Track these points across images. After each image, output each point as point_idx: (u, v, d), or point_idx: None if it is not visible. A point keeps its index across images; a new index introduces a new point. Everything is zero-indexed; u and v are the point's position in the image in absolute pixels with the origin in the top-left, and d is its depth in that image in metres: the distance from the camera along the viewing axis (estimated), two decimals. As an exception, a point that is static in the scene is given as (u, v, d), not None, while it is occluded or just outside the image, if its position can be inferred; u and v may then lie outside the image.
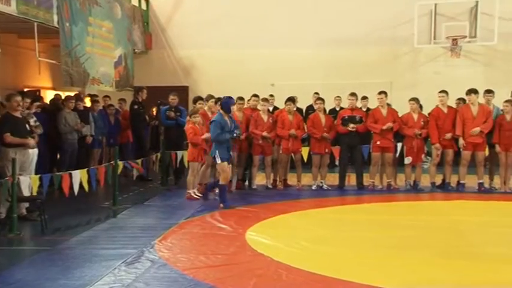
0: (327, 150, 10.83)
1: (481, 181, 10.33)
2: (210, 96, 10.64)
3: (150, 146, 12.73)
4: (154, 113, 13.01)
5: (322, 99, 10.98)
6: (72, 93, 12.15)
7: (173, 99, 11.54)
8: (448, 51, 14.62)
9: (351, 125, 10.51)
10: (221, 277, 5.19)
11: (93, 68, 12.00)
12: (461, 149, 10.27)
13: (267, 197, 9.78)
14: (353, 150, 10.78)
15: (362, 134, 10.73)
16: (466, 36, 14.23)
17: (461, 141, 10.18)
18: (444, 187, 10.46)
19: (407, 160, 10.46)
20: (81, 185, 8.23)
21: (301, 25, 15.54)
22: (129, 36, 14.54)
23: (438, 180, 10.58)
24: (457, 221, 7.69)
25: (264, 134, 10.51)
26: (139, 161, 10.42)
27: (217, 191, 9.95)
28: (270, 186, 10.90)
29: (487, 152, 10.45)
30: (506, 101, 10.12)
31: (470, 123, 10.14)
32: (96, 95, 12.65)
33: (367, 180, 10.79)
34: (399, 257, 5.89)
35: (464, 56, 14.71)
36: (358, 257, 5.93)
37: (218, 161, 8.81)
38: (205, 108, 10.39)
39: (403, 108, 10.92)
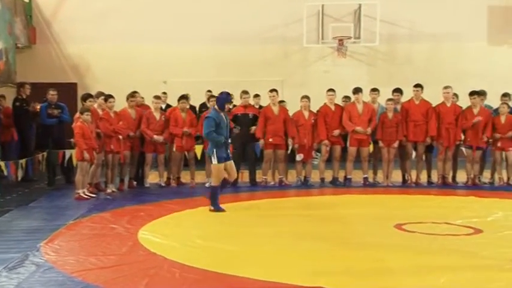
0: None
1: (365, 176, 10.85)
2: (100, 93, 10.33)
3: (36, 144, 12.10)
4: (38, 109, 12.38)
5: (215, 97, 10.99)
6: None
7: (53, 95, 11.02)
8: (335, 51, 15.24)
9: (235, 130, 10.65)
10: (112, 278, 5.04)
11: (-31, 62, 11.21)
12: (348, 145, 10.73)
13: (160, 196, 9.65)
14: (246, 147, 10.90)
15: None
16: (351, 37, 14.90)
17: (359, 129, 10.49)
18: (333, 182, 10.87)
19: (299, 157, 10.75)
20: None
21: (194, 21, 15.49)
22: (10, 29, 13.73)
23: (327, 175, 10.97)
24: (345, 214, 8.03)
25: (156, 137, 10.34)
26: (23, 160, 9.89)
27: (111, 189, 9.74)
28: (163, 184, 10.78)
29: (371, 148, 11.00)
30: (389, 100, 10.70)
31: (356, 120, 10.61)
32: (-26, 92, 11.83)
33: (259, 176, 10.97)
34: (292, 251, 6.03)
35: (350, 56, 15.40)
36: (253, 252, 6.00)
37: (214, 161, 8.13)
38: (95, 105, 10.07)
39: (294, 106, 11.23)
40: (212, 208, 8.17)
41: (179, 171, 10.98)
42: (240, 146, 10.88)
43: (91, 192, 9.52)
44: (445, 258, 5.64)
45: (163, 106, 12.17)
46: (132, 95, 10.57)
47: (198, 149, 11.13)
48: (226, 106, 8.37)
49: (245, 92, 10.97)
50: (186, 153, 10.95)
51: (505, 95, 10.82)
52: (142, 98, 11.37)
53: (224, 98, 8.33)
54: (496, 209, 8.09)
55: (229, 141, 8.48)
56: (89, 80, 15.67)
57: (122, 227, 7.11)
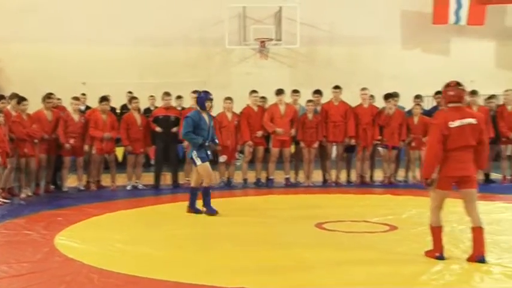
0: (142, 150, 10.73)
1: (287, 176, 11.01)
2: (14, 95, 9.95)
3: None
4: None
5: (137, 98, 10.84)
6: None
7: None
8: (257, 52, 15.36)
9: (157, 129, 10.54)
10: (26, 286, 4.84)
11: None
12: (270, 146, 10.85)
13: (79, 200, 9.38)
14: (168, 149, 10.80)
15: (176, 132, 10.79)
16: (272, 39, 15.06)
17: (279, 130, 10.66)
18: (255, 183, 10.94)
19: (222, 158, 10.75)
20: None
21: (114, 23, 15.18)
22: None
23: (250, 176, 11.03)
24: (267, 214, 8.11)
25: (67, 145, 10.05)
26: None
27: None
28: (82, 188, 10.49)
29: (292, 149, 11.18)
30: (309, 101, 10.91)
31: (279, 121, 10.74)
32: None
33: (182, 178, 10.88)
34: (213, 252, 6.02)
35: (271, 58, 15.58)
36: (174, 255, 5.94)
37: (198, 162, 7.88)
38: (9, 107, 9.66)
39: (217, 107, 11.21)
40: (205, 210, 7.99)
41: (99, 174, 10.72)
42: (163, 148, 10.77)
43: (4, 198, 9.11)
44: (363, 255, 5.82)
45: (83, 108, 11.83)
46: (48, 96, 10.23)
47: (119, 151, 10.92)
48: (207, 105, 8.05)
49: (167, 94, 10.87)
50: (106, 155, 10.70)
51: (417, 96, 11.27)
52: (59, 99, 11.04)
53: (203, 97, 8.05)
54: (410, 207, 8.41)
55: (213, 142, 8.21)
56: (1, 81, 14.99)
57: (37, 233, 6.84)
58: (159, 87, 12.17)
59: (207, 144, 7.95)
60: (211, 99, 8.14)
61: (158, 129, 10.64)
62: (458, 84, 5.50)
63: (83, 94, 12.45)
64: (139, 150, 10.67)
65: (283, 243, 6.37)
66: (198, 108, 8.13)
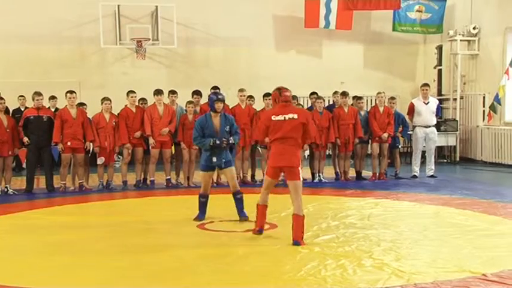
0: (10, 153, 10.18)
1: (168, 177, 10.96)
2: None
3: None
4: None
5: (3, 98, 10.27)
6: None
7: None
8: (134, 52, 15.08)
9: (25, 139, 10.15)
10: None
11: None
12: (150, 148, 10.74)
13: None
14: (41, 151, 10.32)
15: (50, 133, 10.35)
16: (149, 39, 14.84)
17: (151, 141, 10.61)
18: (136, 185, 10.79)
19: (100, 160, 10.50)
20: None
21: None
22: None
23: (131, 178, 10.84)
24: (147, 216, 8.05)
25: None
26: None
27: None
28: None
29: (173, 150, 11.14)
30: (189, 102, 10.89)
31: (158, 122, 10.67)
32: None
33: (57, 182, 10.48)
34: (90, 257, 5.88)
35: (149, 58, 15.34)
36: (46, 261, 5.74)
37: (200, 168, 7.61)
38: None
39: (92, 107, 10.92)
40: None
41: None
42: (35, 150, 10.29)
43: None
44: (243, 253, 5.98)
45: None
46: None
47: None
48: (216, 107, 7.42)
49: (38, 94, 10.39)
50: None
51: (293, 97, 11.66)
52: None
53: (212, 98, 7.51)
54: (289, 205, 8.39)
55: (227, 144, 7.53)
56: None
57: None
58: (30, 87, 11.56)
59: (218, 142, 7.39)
60: (220, 100, 7.44)
61: (26, 139, 10.15)
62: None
63: None
64: (7, 153, 10.12)
65: (164, 245, 6.38)
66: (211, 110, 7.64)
